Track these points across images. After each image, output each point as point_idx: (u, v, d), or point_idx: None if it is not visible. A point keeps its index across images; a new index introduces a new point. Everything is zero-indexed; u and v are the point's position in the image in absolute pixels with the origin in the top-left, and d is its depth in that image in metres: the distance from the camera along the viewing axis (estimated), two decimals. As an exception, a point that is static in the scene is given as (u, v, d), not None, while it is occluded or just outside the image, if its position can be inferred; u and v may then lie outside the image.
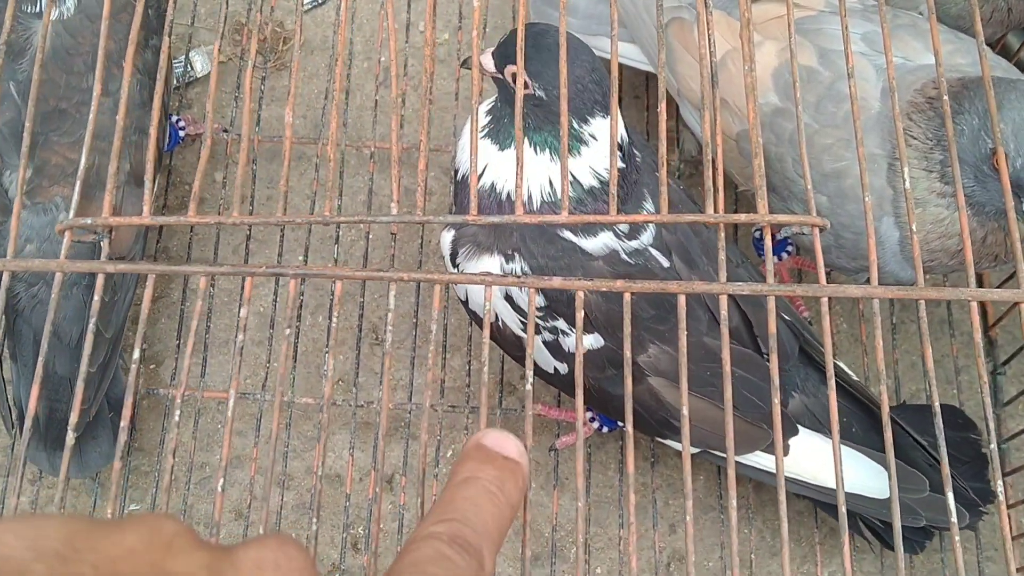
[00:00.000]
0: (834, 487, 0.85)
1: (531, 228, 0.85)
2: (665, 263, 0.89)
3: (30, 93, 0.73)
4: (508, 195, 0.86)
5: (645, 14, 1.04)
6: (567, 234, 0.85)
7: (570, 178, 0.84)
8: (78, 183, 0.71)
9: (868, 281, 0.96)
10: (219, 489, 0.64)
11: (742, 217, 0.70)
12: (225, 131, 1.21)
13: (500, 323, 0.91)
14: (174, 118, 1.20)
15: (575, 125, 0.84)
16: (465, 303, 0.94)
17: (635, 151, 0.89)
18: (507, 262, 0.86)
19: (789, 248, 1.12)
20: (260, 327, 1.16)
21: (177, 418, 0.66)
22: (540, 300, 0.87)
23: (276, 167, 1.24)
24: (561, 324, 0.89)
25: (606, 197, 0.83)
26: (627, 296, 0.65)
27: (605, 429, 1.06)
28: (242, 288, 0.65)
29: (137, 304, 1.15)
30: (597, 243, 0.86)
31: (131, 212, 1.01)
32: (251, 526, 1.09)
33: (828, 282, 0.66)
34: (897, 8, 0.97)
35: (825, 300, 0.66)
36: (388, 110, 1.25)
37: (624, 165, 0.86)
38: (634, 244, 0.88)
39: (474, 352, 1.15)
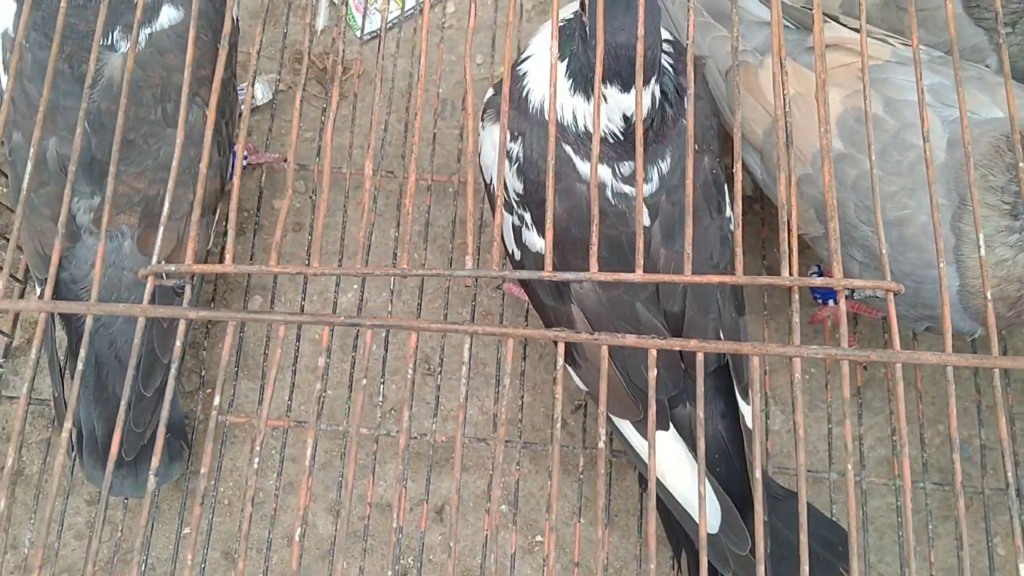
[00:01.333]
0: (675, 490, 0.93)
1: (542, 129, 0.91)
2: (646, 222, 0.91)
3: (115, 126, 0.75)
4: (540, 105, 0.92)
5: (711, 61, 1.05)
6: (568, 149, 0.91)
7: (576, 113, 0.90)
8: (161, 228, 0.73)
9: (929, 329, 0.98)
10: (296, 538, 0.65)
11: (817, 281, 0.70)
12: (284, 160, 1.23)
13: (492, 187, 0.97)
14: (235, 147, 1.21)
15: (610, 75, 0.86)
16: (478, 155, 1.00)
17: (668, 109, 0.90)
18: (511, 139, 0.93)
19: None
20: (314, 354, 1.17)
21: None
22: (519, 187, 0.94)
23: (334, 195, 1.25)
24: (527, 217, 0.95)
25: (619, 145, 0.89)
26: (652, 352, 0.66)
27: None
28: (299, 332, 0.66)
29: (195, 328, 1.17)
30: (590, 169, 0.86)
31: (200, 242, 1.03)
32: (304, 552, 1.10)
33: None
34: (964, 60, 0.98)
35: (899, 367, 0.67)
36: (445, 142, 1.27)
37: (621, 134, 0.89)
38: (626, 189, 0.91)
39: (526, 386, 1.16)
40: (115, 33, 0.97)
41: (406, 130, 1.27)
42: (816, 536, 0.93)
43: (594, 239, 0.70)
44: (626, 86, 0.85)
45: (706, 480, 0.92)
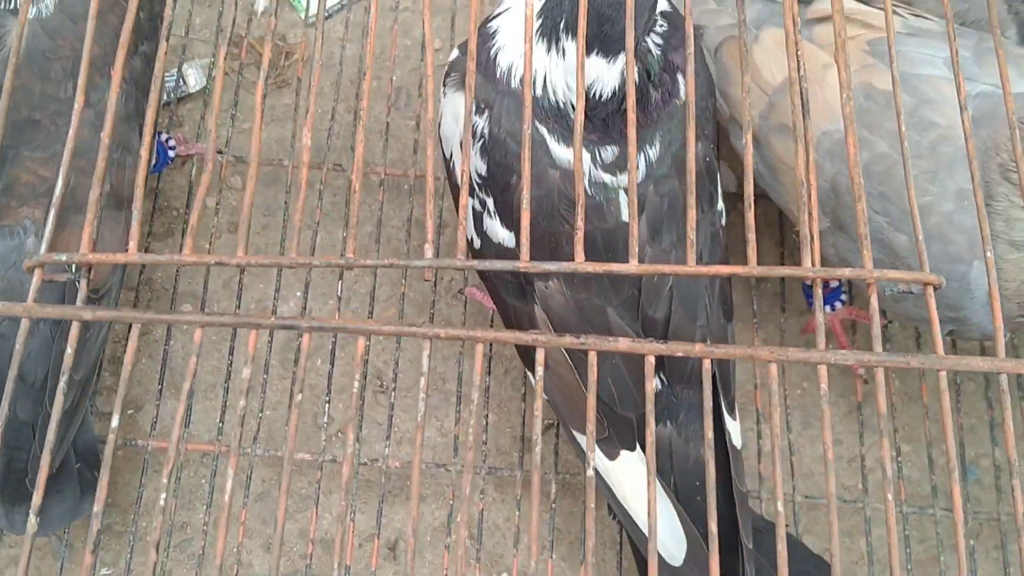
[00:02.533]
0: (637, 517, 0.81)
1: (512, 100, 0.79)
2: (625, 216, 0.79)
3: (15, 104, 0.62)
4: (508, 68, 0.80)
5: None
6: (542, 129, 0.79)
7: (550, 80, 0.78)
8: (52, 211, 0.60)
9: (952, 334, 0.87)
10: (213, 591, 0.52)
11: (846, 271, 0.59)
12: (220, 152, 1.10)
13: (452, 165, 0.86)
14: (163, 136, 1.08)
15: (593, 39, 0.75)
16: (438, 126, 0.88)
17: (652, 87, 0.79)
18: (475, 112, 0.80)
19: (843, 298, 1.01)
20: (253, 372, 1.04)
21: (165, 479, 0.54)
22: (482, 168, 0.81)
23: (274, 193, 1.12)
24: (490, 204, 0.83)
25: (610, 137, 0.78)
26: (649, 360, 0.54)
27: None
28: (233, 336, 0.53)
29: (115, 341, 1.03)
30: (567, 153, 0.78)
31: (111, 240, 0.89)
32: (237, 597, 0.97)
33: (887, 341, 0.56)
34: (982, 32, 0.88)
35: (943, 375, 0.56)
36: (399, 134, 1.15)
37: (613, 107, 0.78)
38: (606, 178, 0.80)
39: (490, 405, 1.04)
40: None
41: (355, 120, 1.15)
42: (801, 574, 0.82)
43: (579, 223, 0.58)
44: (607, 53, 0.74)
45: (665, 500, 0.83)
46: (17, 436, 0.87)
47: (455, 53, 0.87)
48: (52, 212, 0.60)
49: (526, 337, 0.56)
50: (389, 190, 1.11)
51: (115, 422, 0.55)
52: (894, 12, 0.88)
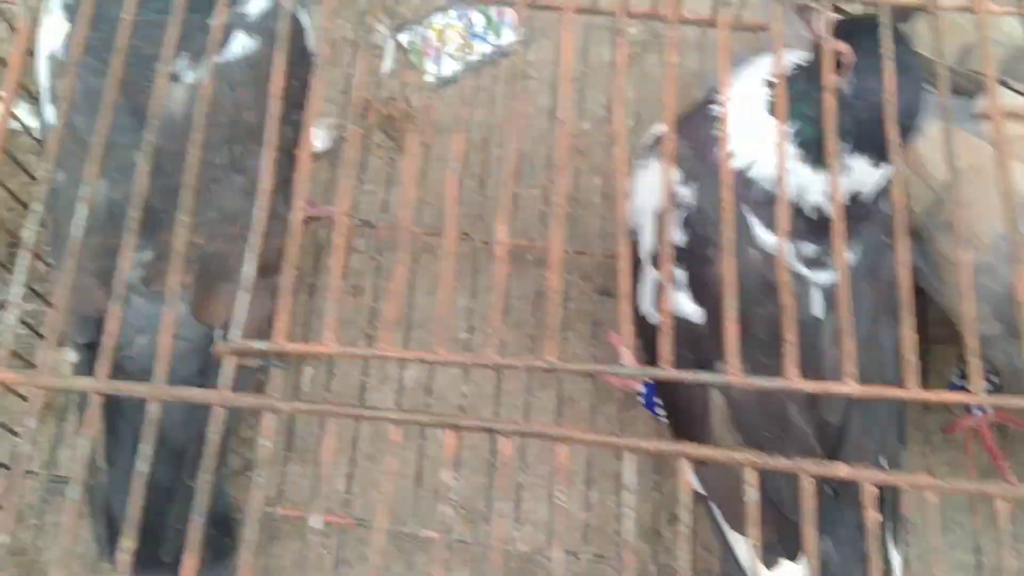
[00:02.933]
0: None
1: (714, 177, 0.77)
2: (820, 313, 0.80)
3: (174, 169, 0.63)
4: (743, 175, 0.79)
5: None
6: (745, 209, 0.79)
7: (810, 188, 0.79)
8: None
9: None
10: None
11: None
12: (348, 217, 1.09)
13: (641, 238, 0.85)
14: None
15: (844, 147, 0.76)
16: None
17: (865, 205, 0.80)
18: (682, 182, 0.81)
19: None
20: (374, 437, 1.02)
21: None
22: (680, 240, 0.81)
23: (391, 255, 1.12)
24: (681, 276, 0.82)
25: (813, 233, 0.79)
26: (807, 483, 0.52)
27: (641, 400, 1.01)
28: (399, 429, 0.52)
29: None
30: (770, 239, 0.79)
31: (257, 308, 0.88)
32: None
33: None
34: None
35: None
36: (524, 204, 1.14)
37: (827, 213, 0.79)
38: (804, 271, 0.80)
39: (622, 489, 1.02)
40: (180, 61, 0.84)
41: (481, 187, 1.14)
42: None
43: (789, 338, 0.56)
44: (876, 159, 0.76)
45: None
46: (154, 501, 0.86)
47: (659, 128, 0.88)
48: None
49: (736, 456, 0.54)
50: (514, 261, 1.10)
51: (258, 493, 0.53)
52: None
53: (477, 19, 1.25)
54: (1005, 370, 0.86)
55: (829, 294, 0.80)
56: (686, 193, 0.81)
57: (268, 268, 0.90)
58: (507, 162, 1.14)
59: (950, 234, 0.87)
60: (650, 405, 1.00)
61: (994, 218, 0.83)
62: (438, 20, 1.24)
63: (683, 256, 0.82)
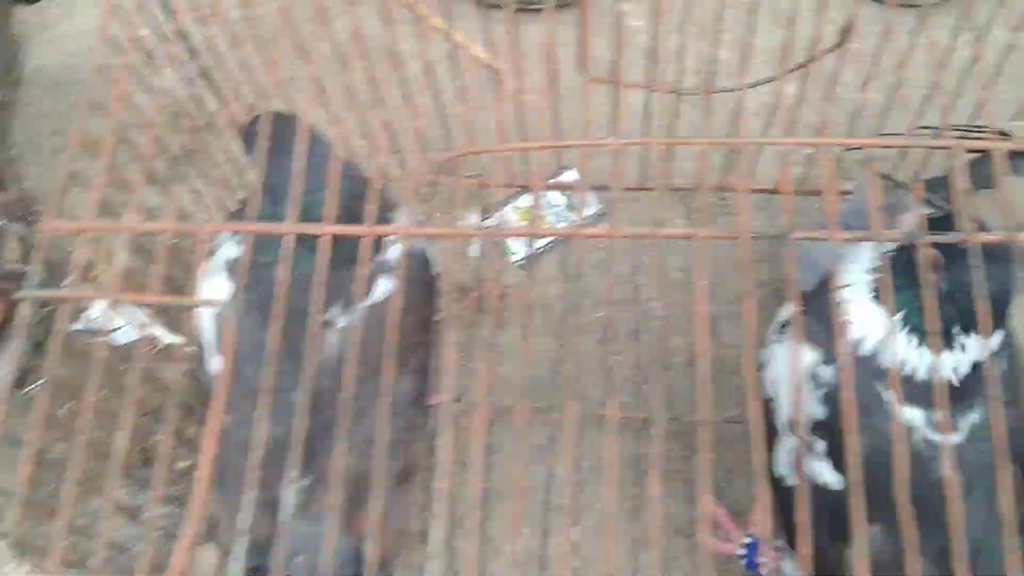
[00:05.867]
0: None
1: (856, 356, 0.88)
2: (942, 471, 0.85)
3: (328, 403, 0.71)
4: (860, 339, 0.88)
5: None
6: (879, 384, 0.87)
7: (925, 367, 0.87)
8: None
9: None
10: None
11: None
12: (457, 400, 1.19)
13: (776, 404, 0.92)
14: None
15: (954, 329, 0.85)
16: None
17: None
18: (824, 363, 0.89)
19: None
20: None
21: None
22: (820, 414, 0.89)
23: (502, 431, 1.20)
24: (819, 445, 0.90)
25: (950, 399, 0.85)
26: None
27: (743, 564, 1.06)
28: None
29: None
30: (903, 412, 0.87)
31: (395, 514, 0.98)
32: None
33: None
34: None
35: None
36: (610, 373, 1.22)
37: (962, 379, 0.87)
38: (936, 436, 0.87)
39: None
40: (332, 309, 0.95)
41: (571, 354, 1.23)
42: None
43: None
44: (987, 333, 0.83)
45: None
46: None
47: (790, 308, 0.94)
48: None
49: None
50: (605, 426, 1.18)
51: None
52: None
53: (557, 198, 1.35)
54: None
55: (959, 454, 0.87)
56: (824, 371, 0.89)
57: (407, 475, 1.00)
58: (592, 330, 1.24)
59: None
60: (751, 564, 1.06)
61: None
62: (522, 202, 1.35)
63: (823, 428, 0.90)
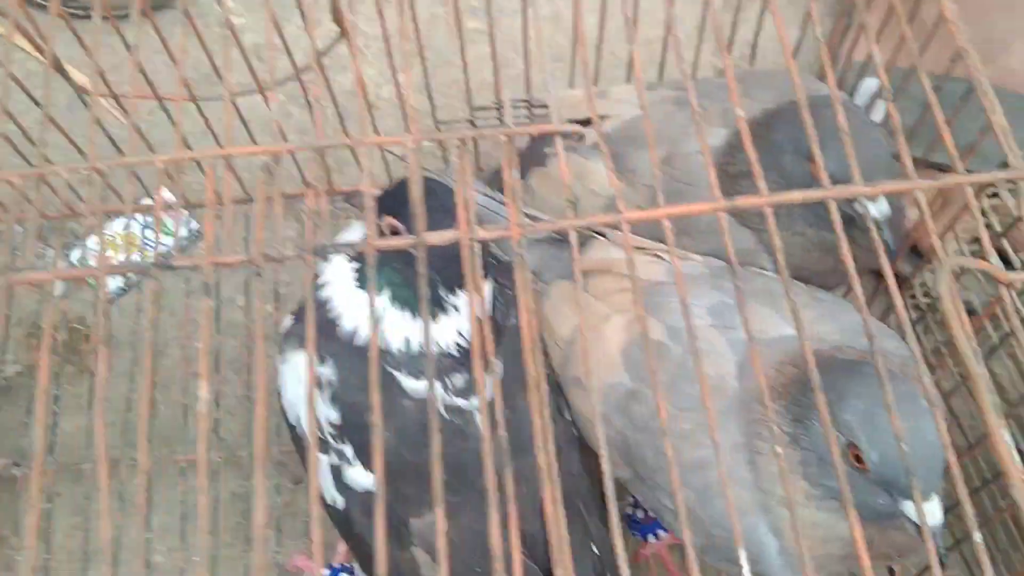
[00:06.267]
0: None
1: (351, 351, 0.84)
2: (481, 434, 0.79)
3: None
4: (354, 329, 0.84)
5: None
6: (390, 368, 0.83)
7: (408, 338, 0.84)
8: None
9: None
10: None
11: None
12: (16, 465, 1.05)
13: (299, 430, 0.87)
14: None
15: (440, 292, 0.83)
16: (279, 395, 0.90)
17: (495, 316, 0.86)
18: (319, 362, 0.84)
19: (659, 532, 1.00)
20: None
21: None
22: (335, 416, 0.84)
23: (81, 489, 1.07)
24: (348, 451, 0.84)
25: (460, 364, 0.83)
26: None
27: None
28: None
29: None
30: (418, 385, 0.83)
31: None
32: None
33: None
34: (747, 268, 0.89)
35: None
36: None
37: (467, 344, 0.84)
38: (459, 402, 0.83)
39: None
40: None
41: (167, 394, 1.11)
42: None
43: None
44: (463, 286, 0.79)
45: None
46: None
47: (288, 320, 0.90)
48: None
49: None
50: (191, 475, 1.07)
51: None
52: (658, 257, 0.89)
53: (135, 226, 1.23)
54: (650, 508, 0.87)
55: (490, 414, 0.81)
56: (324, 371, 0.84)
57: None
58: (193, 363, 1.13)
59: (577, 388, 0.88)
60: None
61: (604, 370, 0.85)
62: (113, 228, 1.22)
63: (343, 431, 0.84)
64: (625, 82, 1.05)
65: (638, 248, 0.89)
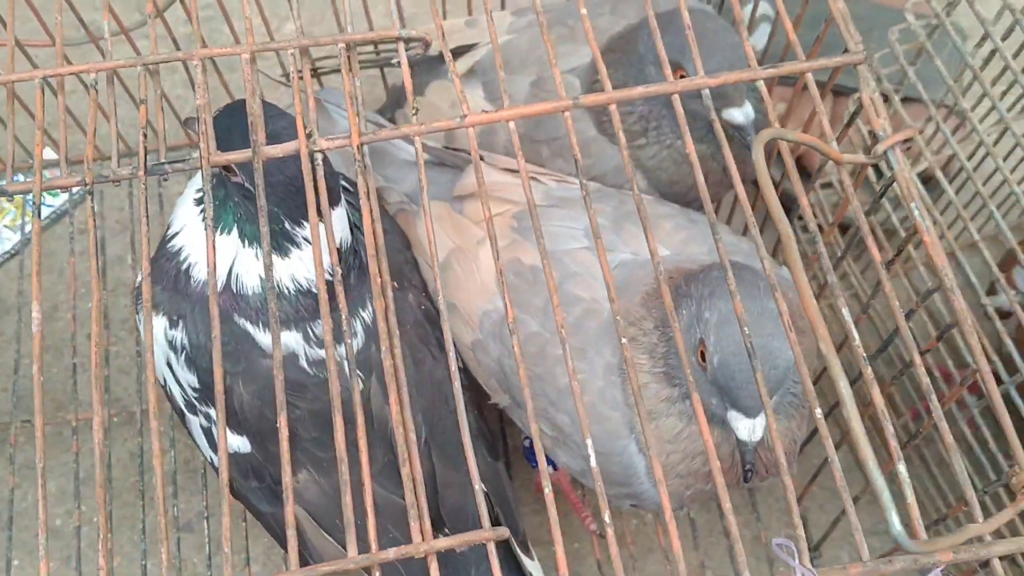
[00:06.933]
0: None
1: (197, 305, 0.78)
2: (359, 385, 0.77)
3: None
4: (206, 278, 0.76)
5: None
6: (243, 321, 0.77)
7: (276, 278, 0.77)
8: None
9: (635, 506, 0.85)
10: None
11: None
12: None
13: (169, 391, 0.83)
14: None
15: (287, 225, 0.75)
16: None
17: (360, 250, 0.79)
18: (170, 327, 0.79)
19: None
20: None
21: None
22: (194, 380, 0.80)
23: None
24: (213, 414, 0.80)
25: (310, 301, 0.77)
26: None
27: None
28: None
29: None
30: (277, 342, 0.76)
31: None
32: None
33: None
34: (621, 190, 0.88)
35: None
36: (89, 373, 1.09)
37: (330, 277, 0.78)
38: (323, 353, 0.78)
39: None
40: None
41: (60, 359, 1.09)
42: None
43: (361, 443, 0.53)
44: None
45: None
46: None
47: (138, 278, 0.86)
48: None
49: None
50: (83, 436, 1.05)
51: None
52: (537, 180, 0.89)
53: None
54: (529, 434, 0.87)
55: (363, 360, 0.79)
56: (176, 335, 0.79)
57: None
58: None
59: (453, 315, 0.87)
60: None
61: (478, 296, 0.84)
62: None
63: (204, 395, 0.80)
64: (500, 9, 1.03)
65: (512, 170, 0.88)
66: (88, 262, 1.16)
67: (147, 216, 0.57)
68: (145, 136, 0.59)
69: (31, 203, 0.72)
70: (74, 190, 1.17)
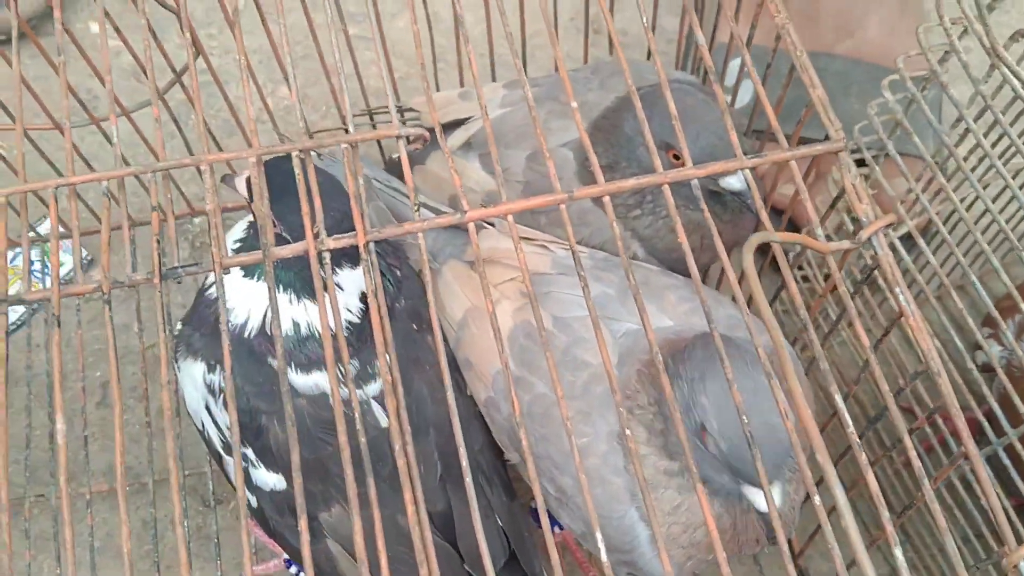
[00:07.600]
0: None
1: (242, 348, 0.82)
2: (384, 422, 0.83)
3: None
4: (244, 322, 0.83)
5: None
6: (275, 363, 0.80)
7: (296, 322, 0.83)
8: None
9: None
10: None
11: None
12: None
13: (207, 435, 0.87)
14: None
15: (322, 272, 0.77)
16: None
17: (388, 291, 0.85)
18: (208, 371, 0.84)
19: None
20: None
21: None
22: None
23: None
24: (249, 453, 0.84)
25: (351, 348, 0.82)
26: None
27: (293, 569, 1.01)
28: None
29: None
30: (308, 381, 0.82)
31: None
32: None
33: None
34: (632, 261, 0.91)
35: None
36: (108, 437, 1.11)
37: (358, 320, 0.83)
38: (356, 391, 0.81)
39: None
40: None
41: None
42: None
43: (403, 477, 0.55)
44: (353, 259, 0.80)
45: None
46: None
47: (178, 325, 0.90)
48: None
49: None
50: (101, 506, 1.07)
51: None
52: (545, 248, 0.91)
53: (34, 255, 1.22)
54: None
55: (383, 402, 0.82)
56: (215, 379, 0.84)
57: None
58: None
59: (467, 371, 0.89)
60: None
61: (493, 355, 0.86)
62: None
63: (241, 436, 0.82)
64: (491, 80, 1.06)
65: (525, 239, 0.90)
66: (96, 331, 1.18)
67: (165, 318, 0.59)
68: (159, 243, 0.61)
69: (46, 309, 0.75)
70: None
